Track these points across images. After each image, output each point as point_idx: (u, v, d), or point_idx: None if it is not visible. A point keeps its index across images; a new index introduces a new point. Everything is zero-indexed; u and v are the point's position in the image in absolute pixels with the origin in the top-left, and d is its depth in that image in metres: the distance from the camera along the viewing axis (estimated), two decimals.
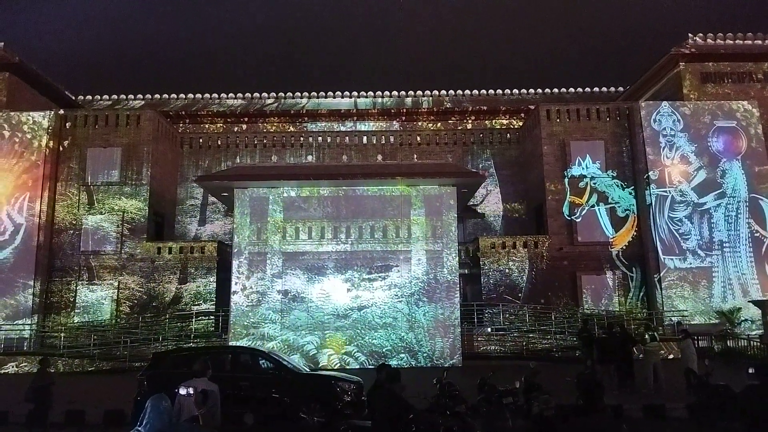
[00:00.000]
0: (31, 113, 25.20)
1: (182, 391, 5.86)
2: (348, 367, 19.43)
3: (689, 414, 10.99)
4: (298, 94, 34.28)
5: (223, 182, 22.66)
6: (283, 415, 10.78)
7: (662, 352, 17.03)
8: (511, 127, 30.99)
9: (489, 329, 22.47)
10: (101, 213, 24.64)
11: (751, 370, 6.69)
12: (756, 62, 27.18)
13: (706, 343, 20.74)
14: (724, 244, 23.54)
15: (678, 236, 23.64)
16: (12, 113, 25.08)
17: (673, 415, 11.73)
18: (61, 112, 26.23)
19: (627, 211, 24.86)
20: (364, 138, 29.45)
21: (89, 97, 34.21)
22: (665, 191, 24.04)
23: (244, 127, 31.71)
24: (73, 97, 31.73)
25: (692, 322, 21.91)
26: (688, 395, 12.47)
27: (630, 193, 24.97)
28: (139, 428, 4.53)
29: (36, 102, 27.51)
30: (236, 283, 21.09)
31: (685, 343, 14.55)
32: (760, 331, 20.95)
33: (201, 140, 29.50)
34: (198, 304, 23.71)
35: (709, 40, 27.15)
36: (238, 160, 28.44)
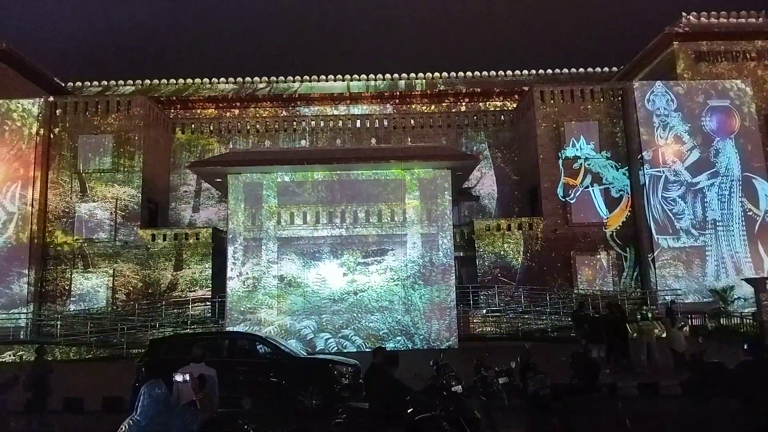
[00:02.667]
0: (20, 100, 24.91)
1: (179, 377, 5.88)
2: (345, 351, 19.52)
3: (683, 391, 11.11)
4: (291, 78, 34.02)
5: (216, 168, 22.52)
6: (282, 398, 10.84)
7: (656, 330, 17.19)
8: (505, 108, 30.86)
9: (484, 311, 22.60)
10: (94, 200, 24.51)
11: (745, 347, 6.77)
12: (749, 41, 27.07)
13: (699, 322, 20.94)
14: (718, 223, 23.66)
15: (671, 216, 23.74)
16: (1, 101, 24.78)
17: (667, 392, 11.86)
18: (51, 99, 25.95)
19: (621, 192, 24.93)
20: (358, 122, 29.29)
21: (79, 83, 33.83)
22: (659, 171, 24.09)
23: (237, 112, 31.47)
24: (63, 84, 31.39)
25: (686, 301, 22.10)
26: (677, 372, 12.64)
27: (624, 174, 25.02)
28: (136, 416, 4.52)
29: (25, 89, 27.16)
30: (232, 269, 21.08)
31: (665, 320, 14.71)
32: (753, 309, 21.14)
33: (193, 126, 29.26)
34: (194, 291, 23.70)
35: (702, 19, 27.02)
36: (231, 146, 28.25)
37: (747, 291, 22.10)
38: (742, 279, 22.49)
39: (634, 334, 15.28)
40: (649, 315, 15.77)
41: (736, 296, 22.23)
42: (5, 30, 27.76)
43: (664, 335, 16.47)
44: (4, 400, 8.28)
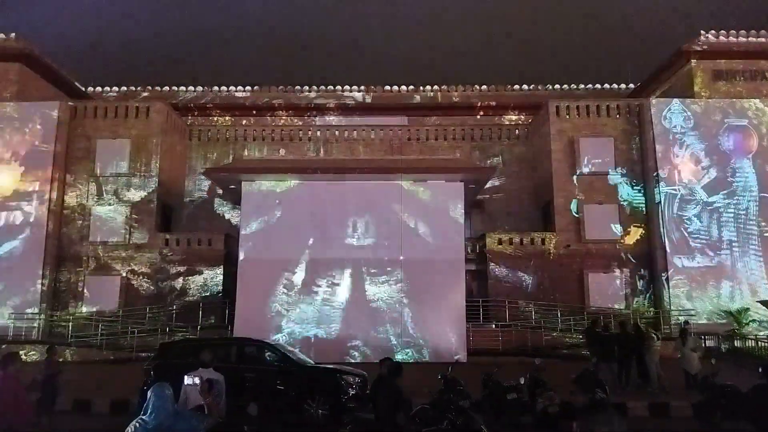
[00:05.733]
0: (41, 103, 25.35)
1: (188, 381, 5.90)
2: (353, 361, 19.44)
3: (694, 413, 10.94)
4: (306, 87, 34.22)
5: (230, 175, 22.72)
6: (288, 407, 10.82)
7: (668, 351, 16.93)
8: (520, 123, 30.83)
9: (494, 325, 22.43)
10: (110, 204, 24.79)
11: (760, 370, 6.67)
12: None
13: (713, 343, 20.64)
14: (733, 244, 23.37)
15: (687, 235, 23.48)
16: (23, 103, 25.23)
17: (678, 414, 11.69)
18: (71, 103, 26.35)
19: (635, 209, 24.72)
20: (372, 132, 29.40)
21: (99, 88, 34.27)
22: (674, 189, 23.87)
23: (252, 120, 31.77)
24: (83, 89, 31.86)
25: (699, 322, 21.80)
26: (688, 394, 12.46)
27: (639, 191, 24.82)
28: (143, 417, 4.55)
29: (46, 93, 27.65)
30: (242, 275, 21.12)
31: (678, 341, 14.58)
32: None
33: (209, 133, 29.56)
34: (205, 296, 23.81)
35: (721, 38, 26.87)
36: (246, 153, 28.48)
37: (762, 313, 21.81)
38: (757, 301, 22.18)
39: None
40: (660, 335, 15.58)
41: (750, 318, 21.89)
42: (29, 34, 28.28)
43: (678, 355, 16.23)
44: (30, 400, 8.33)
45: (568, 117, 25.68)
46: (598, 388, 9.46)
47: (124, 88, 34.72)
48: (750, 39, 27.00)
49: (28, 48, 26.69)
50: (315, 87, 34.21)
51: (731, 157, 24.15)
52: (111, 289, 23.98)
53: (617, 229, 24.48)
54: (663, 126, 24.45)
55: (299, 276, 21.09)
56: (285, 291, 20.96)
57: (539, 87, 34.25)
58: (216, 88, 34.26)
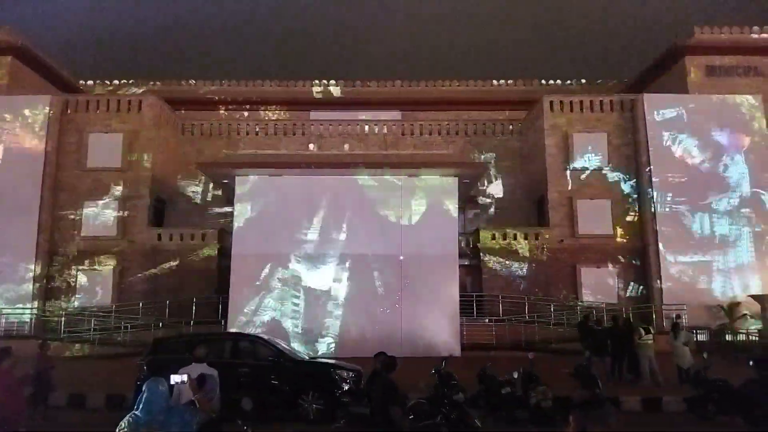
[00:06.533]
0: (33, 97, 25.12)
1: (178, 378, 5.84)
2: (347, 356, 19.42)
3: (687, 407, 11.02)
4: (301, 82, 34.11)
5: (224, 169, 22.61)
6: (282, 402, 10.81)
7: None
8: (514, 118, 30.83)
9: (488, 320, 22.49)
10: (102, 198, 24.62)
11: (751, 364, 6.72)
12: (762, 56, 27.01)
13: (705, 338, 20.79)
14: (725, 239, 23.50)
15: (679, 230, 23.59)
16: (14, 97, 25.00)
17: (670, 408, 11.76)
18: (63, 96, 26.12)
19: (628, 205, 24.81)
20: (366, 127, 29.34)
21: (91, 82, 34.04)
22: (667, 184, 23.95)
23: (246, 114, 31.64)
24: (75, 82, 31.62)
25: (692, 316, 21.92)
26: (681, 388, 12.54)
27: (632, 186, 24.91)
28: (136, 412, 4.54)
29: (38, 86, 27.45)
30: (236, 270, 21.05)
31: (671, 336, 14.67)
32: (759, 326, 20.99)
33: (203, 127, 29.38)
34: (198, 291, 23.70)
35: (714, 34, 26.97)
36: (240, 147, 28.34)
37: (753, 308, 21.97)
38: (748, 295, 22.34)
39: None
40: (651, 329, 15.65)
41: (742, 312, 22.04)
42: (20, 27, 28.03)
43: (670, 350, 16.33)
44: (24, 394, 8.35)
45: (562, 112, 25.71)
46: (593, 382, 9.53)
47: (117, 82, 34.51)
48: (743, 35, 27.11)
49: (20, 40, 26.44)
50: (309, 81, 34.11)
51: (723, 152, 24.25)
52: (104, 284, 23.88)
53: (610, 224, 24.56)
54: (656, 121, 24.52)
55: (293, 270, 21.03)
56: (278, 285, 20.90)
57: (533, 82, 34.30)
58: (209, 81, 34.09)
